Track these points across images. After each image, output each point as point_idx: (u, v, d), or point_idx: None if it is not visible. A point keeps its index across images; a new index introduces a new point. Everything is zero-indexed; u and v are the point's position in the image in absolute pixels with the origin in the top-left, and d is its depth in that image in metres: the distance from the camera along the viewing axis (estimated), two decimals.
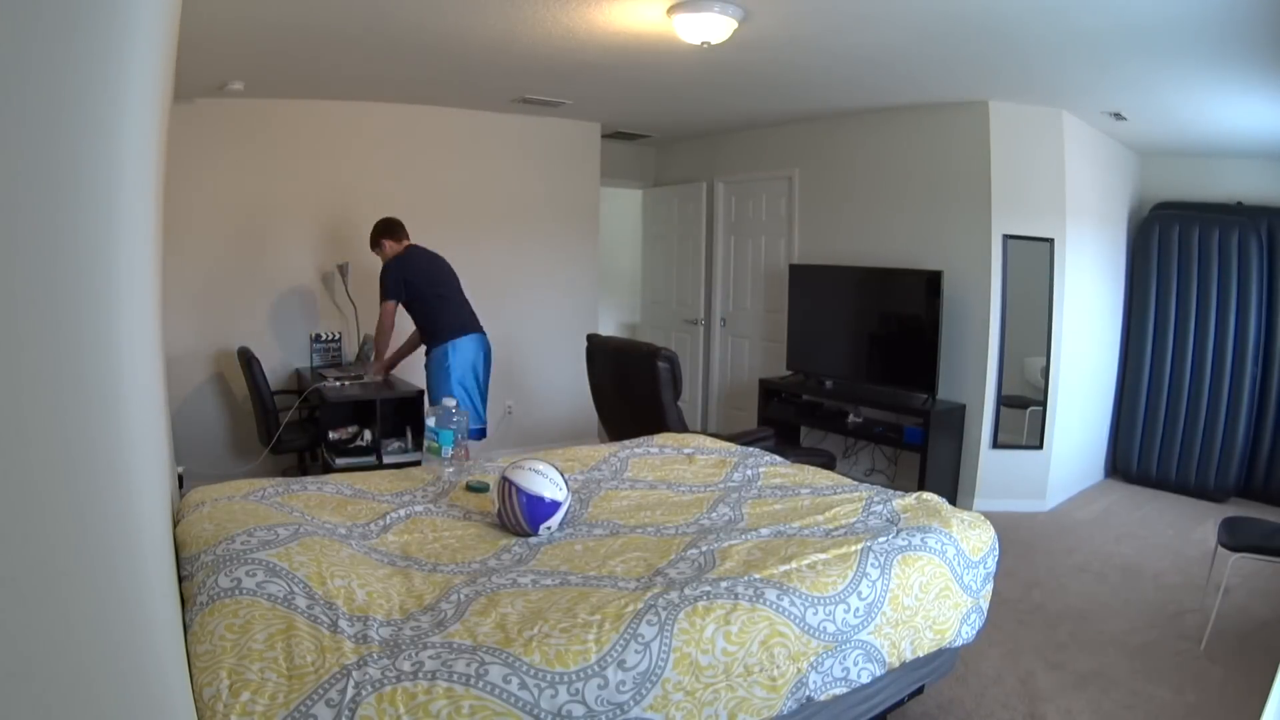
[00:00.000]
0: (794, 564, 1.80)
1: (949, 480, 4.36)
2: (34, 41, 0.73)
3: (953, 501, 2.70)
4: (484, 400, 4.10)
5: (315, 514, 2.03)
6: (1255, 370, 4.49)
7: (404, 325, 4.13)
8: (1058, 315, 4.27)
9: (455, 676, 1.33)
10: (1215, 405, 4.60)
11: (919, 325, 4.33)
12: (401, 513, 2.12)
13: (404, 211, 4.22)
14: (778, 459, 2.85)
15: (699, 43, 2.90)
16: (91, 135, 0.80)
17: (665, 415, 3.53)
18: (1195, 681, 2.56)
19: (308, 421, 4.31)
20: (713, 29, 2.82)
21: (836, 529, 2.08)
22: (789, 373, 5.09)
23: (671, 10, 2.78)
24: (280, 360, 4.57)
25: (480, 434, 4.12)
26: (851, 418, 4.68)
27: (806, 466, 2.78)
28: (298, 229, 4.57)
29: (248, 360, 3.95)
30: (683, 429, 3.48)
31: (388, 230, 3.97)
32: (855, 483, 2.54)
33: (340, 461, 3.89)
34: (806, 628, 1.68)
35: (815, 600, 1.72)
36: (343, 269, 4.58)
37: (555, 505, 2.03)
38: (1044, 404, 4.33)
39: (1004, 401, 4.34)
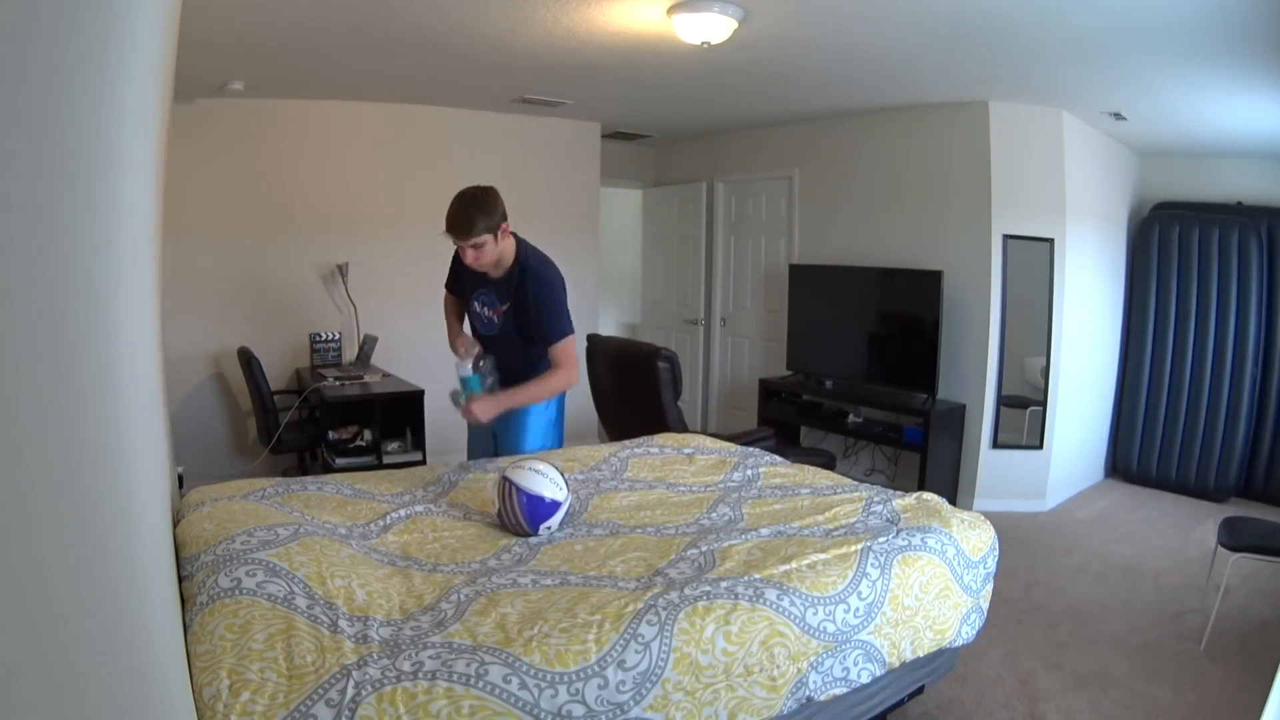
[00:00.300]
0: (794, 564, 1.80)
1: (949, 480, 4.36)
2: (33, 41, 0.73)
3: (953, 501, 2.70)
4: None
5: (315, 514, 2.03)
6: (1255, 370, 4.49)
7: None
8: (1058, 315, 4.27)
9: (455, 676, 1.33)
10: (1215, 405, 4.60)
11: (919, 325, 4.33)
12: (402, 513, 2.12)
13: (404, 211, 4.23)
14: (778, 459, 2.85)
15: (699, 43, 2.90)
16: (91, 135, 0.79)
17: (665, 415, 3.53)
18: (1195, 681, 2.56)
19: (308, 421, 4.31)
20: (713, 29, 2.82)
21: (836, 529, 2.08)
22: (789, 373, 5.09)
23: (671, 10, 2.78)
24: (280, 360, 4.57)
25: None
26: (851, 418, 4.68)
27: (806, 466, 2.78)
28: (298, 229, 4.56)
29: (248, 360, 3.95)
30: (683, 429, 3.48)
31: (498, 203, 2.41)
32: (855, 483, 2.54)
33: (340, 461, 3.89)
34: (806, 628, 1.68)
35: (815, 600, 1.72)
36: (343, 269, 4.58)
37: (555, 505, 2.02)
38: (1044, 404, 4.33)
39: (1004, 401, 4.34)
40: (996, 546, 2.16)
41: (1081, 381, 4.58)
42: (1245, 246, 4.45)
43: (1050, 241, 4.22)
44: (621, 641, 1.48)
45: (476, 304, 2.63)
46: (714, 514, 2.23)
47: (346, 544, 1.84)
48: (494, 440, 2.78)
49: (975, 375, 4.31)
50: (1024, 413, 4.41)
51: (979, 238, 4.25)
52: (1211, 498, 4.60)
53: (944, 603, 1.96)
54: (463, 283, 2.67)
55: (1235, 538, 2.82)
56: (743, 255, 5.76)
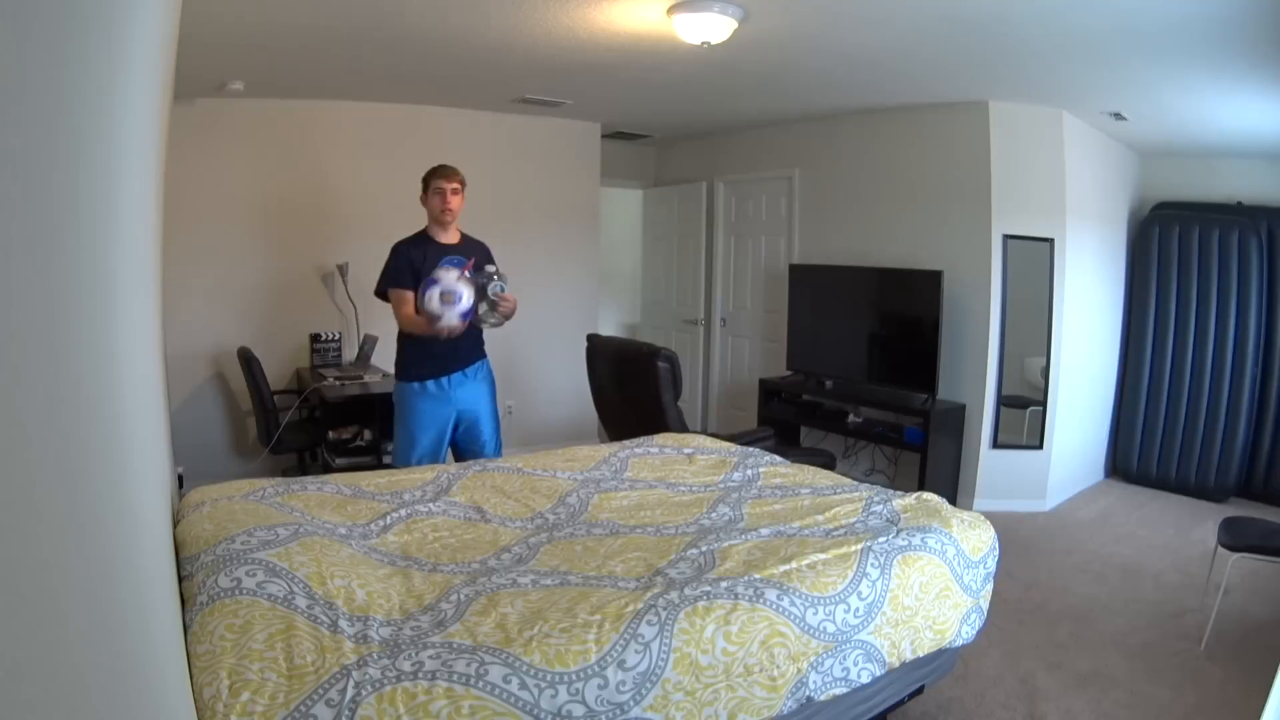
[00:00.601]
0: (794, 564, 1.80)
1: (949, 480, 4.36)
2: (34, 41, 0.73)
3: (953, 501, 2.70)
4: None
5: (315, 514, 2.04)
6: (1255, 370, 4.49)
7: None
8: (1058, 315, 4.27)
9: (455, 676, 1.33)
10: (1215, 405, 4.60)
11: (919, 325, 4.33)
12: (402, 513, 2.12)
13: (404, 212, 4.21)
14: (778, 459, 2.85)
15: (699, 43, 2.90)
16: (91, 135, 0.79)
17: (665, 415, 3.53)
18: (1195, 681, 2.56)
19: (308, 421, 4.31)
20: (713, 29, 2.82)
21: (836, 529, 2.08)
22: (789, 373, 5.09)
23: (671, 10, 2.78)
24: (280, 360, 4.57)
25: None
26: (851, 418, 4.68)
27: (806, 466, 2.78)
28: (298, 229, 4.56)
29: (248, 360, 3.95)
30: (683, 429, 3.48)
31: None
32: (855, 483, 2.54)
33: (340, 461, 3.89)
34: (806, 628, 1.68)
35: (815, 600, 1.72)
36: (343, 269, 4.58)
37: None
38: (1044, 404, 4.33)
39: (1004, 401, 4.34)
40: (996, 546, 2.17)
41: (1081, 381, 4.58)
42: (1245, 246, 4.45)
43: (1050, 241, 4.22)
44: (621, 641, 1.48)
45: (441, 272, 2.92)
46: (714, 514, 2.23)
47: (346, 544, 1.84)
48: (454, 429, 3.12)
49: (975, 375, 4.31)
50: (1024, 413, 4.41)
51: (979, 238, 4.25)
52: (1211, 498, 4.60)
53: (944, 603, 1.96)
54: (425, 265, 2.95)
55: (1235, 538, 2.82)
56: (743, 255, 5.76)
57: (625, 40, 3.20)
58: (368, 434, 4.03)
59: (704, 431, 4.61)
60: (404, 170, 4.79)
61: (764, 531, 2.04)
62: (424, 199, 3.12)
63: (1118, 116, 4.08)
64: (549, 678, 1.39)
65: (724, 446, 2.98)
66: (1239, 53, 2.85)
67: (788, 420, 4.94)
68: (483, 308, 2.92)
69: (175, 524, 1.87)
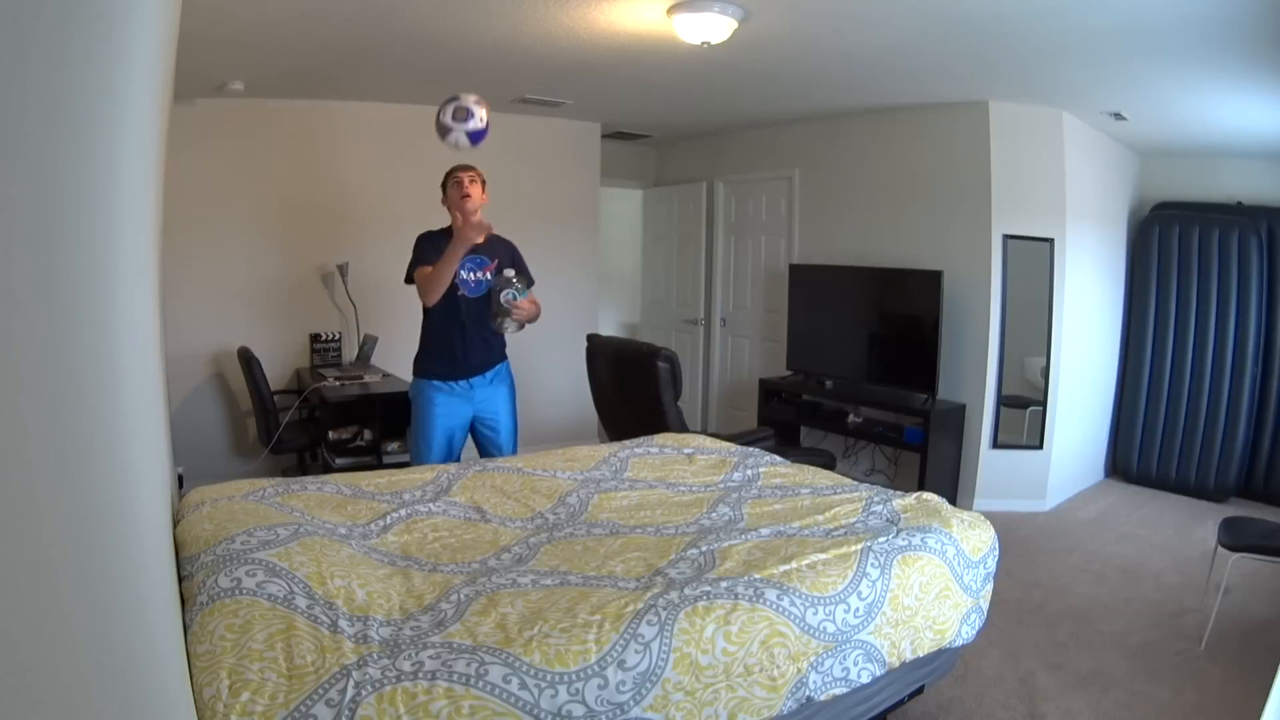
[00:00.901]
0: (794, 564, 1.80)
1: (949, 480, 4.36)
2: (34, 41, 0.73)
3: (953, 501, 2.70)
4: None
5: (315, 514, 2.04)
6: (1255, 370, 4.49)
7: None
8: (1058, 315, 4.27)
9: (455, 676, 1.33)
10: (1215, 405, 4.60)
11: (919, 325, 4.33)
12: (402, 513, 2.12)
13: (404, 211, 4.23)
14: (778, 459, 2.85)
15: (699, 43, 2.90)
16: (91, 135, 0.79)
17: (665, 415, 3.53)
18: (1195, 681, 2.56)
19: (308, 421, 4.31)
20: (713, 29, 2.82)
21: (836, 529, 2.08)
22: (789, 373, 5.09)
23: (671, 10, 2.78)
24: (280, 360, 4.57)
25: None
26: (851, 418, 4.68)
27: (806, 466, 2.78)
28: (298, 229, 4.56)
29: (248, 360, 3.95)
30: (683, 429, 3.48)
31: None
32: (855, 483, 2.54)
33: (340, 461, 3.89)
34: (806, 628, 1.68)
35: (815, 600, 1.72)
36: (343, 269, 4.58)
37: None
38: (1044, 404, 4.33)
39: (1004, 401, 4.34)
40: (996, 546, 2.17)
41: (1081, 381, 4.57)
42: (1245, 246, 4.45)
43: (1050, 241, 4.22)
44: (621, 641, 1.48)
45: (464, 271, 2.93)
46: (714, 514, 2.23)
47: (346, 544, 1.84)
48: (470, 431, 3.10)
49: (975, 375, 4.31)
50: (1024, 413, 4.41)
51: (979, 238, 4.25)
52: (1211, 498, 4.60)
53: (944, 603, 1.96)
54: None
55: (1235, 538, 2.82)
56: (743, 255, 5.76)
57: (625, 40, 3.20)
58: (368, 434, 4.03)
59: (704, 431, 4.61)
60: (404, 170, 4.81)
61: (764, 531, 2.04)
62: (445, 200, 3.06)
63: (1118, 116, 4.08)
64: (549, 678, 1.39)
65: (724, 446, 2.98)
66: (1239, 53, 2.85)
67: (788, 420, 4.94)
68: (499, 317, 2.88)
69: (175, 524, 1.87)
